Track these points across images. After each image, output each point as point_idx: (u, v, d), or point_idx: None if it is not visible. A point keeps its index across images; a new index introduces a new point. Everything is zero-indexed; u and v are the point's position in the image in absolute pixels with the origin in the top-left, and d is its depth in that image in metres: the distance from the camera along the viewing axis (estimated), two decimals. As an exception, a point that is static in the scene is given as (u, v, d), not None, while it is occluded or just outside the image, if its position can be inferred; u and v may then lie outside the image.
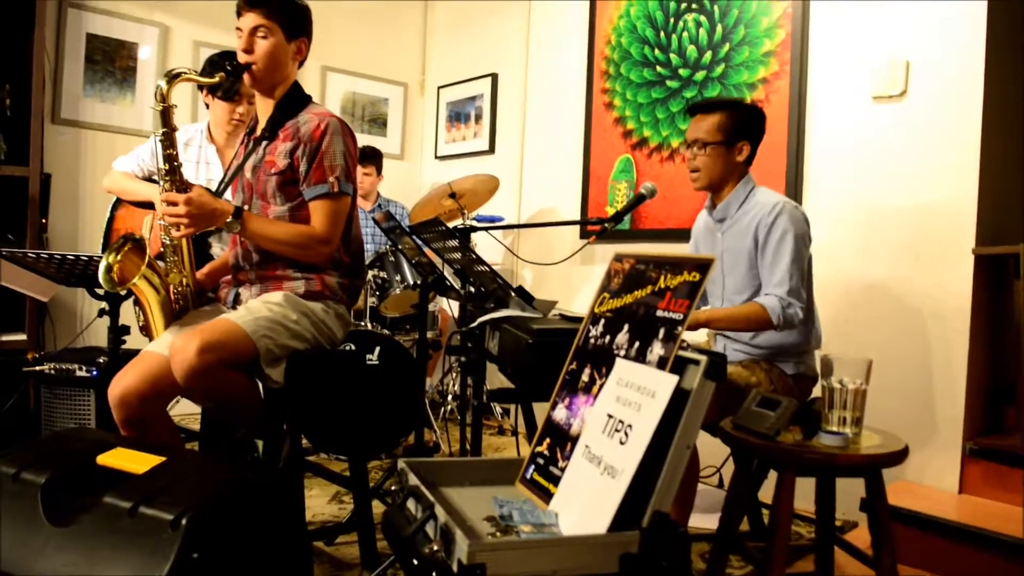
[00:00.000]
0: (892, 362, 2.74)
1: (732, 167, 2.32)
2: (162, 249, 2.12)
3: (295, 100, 2.16)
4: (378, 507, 2.48)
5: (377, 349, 3.19)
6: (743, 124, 2.30)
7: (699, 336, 2.64)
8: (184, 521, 1.31)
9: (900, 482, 2.68)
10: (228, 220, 1.98)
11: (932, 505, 2.46)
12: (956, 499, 2.60)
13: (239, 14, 2.07)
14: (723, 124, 2.28)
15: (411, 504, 1.37)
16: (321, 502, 2.87)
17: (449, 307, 3.91)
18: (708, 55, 3.46)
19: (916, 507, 2.43)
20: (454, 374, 4.12)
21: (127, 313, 2.49)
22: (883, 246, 2.87)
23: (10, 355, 3.34)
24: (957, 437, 2.63)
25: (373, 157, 4.20)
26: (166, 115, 2.01)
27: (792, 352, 2.31)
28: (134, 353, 2.00)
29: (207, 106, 2.81)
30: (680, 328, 1.26)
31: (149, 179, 2.80)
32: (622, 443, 1.22)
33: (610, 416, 1.29)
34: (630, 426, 1.22)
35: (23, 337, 3.48)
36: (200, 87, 2.79)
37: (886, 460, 1.62)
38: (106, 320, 2.51)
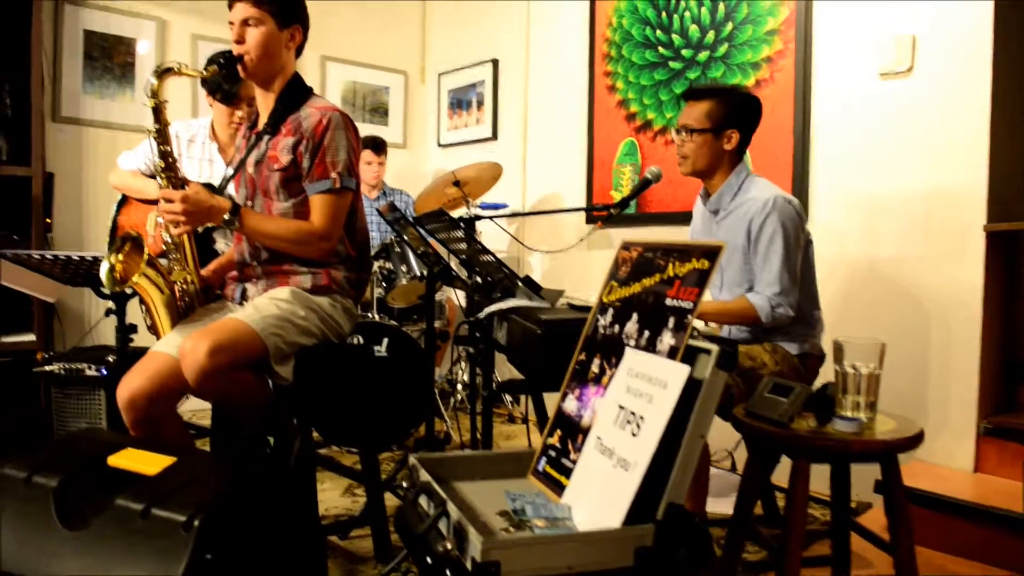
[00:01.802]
0: (904, 341, 2.72)
1: (719, 155, 2.30)
2: (164, 247, 2.11)
3: (296, 92, 2.13)
4: (391, 500, 2.48)
5: (385, 340, 3.17)
6: (733, 112, 2.28)
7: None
8: (197, 522, 1.30)
9: (915, 462, 2.67)
10: (226, 217, 1.97)
11: (948, 485, 2.45)
12: (972, 478, 2.58)
13: (230, 6, 2.06)
14: (712, 111, 2.27)
15: (423, 500, 1.36)
16: (334, 495, 2.87)
17: (456, 296, 3.89)
18: (711, 35, 3.42)
19: (931, 488, 2.41)
20: (463, 363, 4.11)
21: (134, 311, 2.49)
22: (892, 225, 2.83)
23: (20, 356, 3.36)
24: (971, 416, 2.61)
25: (385, 147, 4.23)
26: (157, 111, 2.00)
27: (796, 335, 2.30)
28: (143, 351, 1.99)
29: (211, 106, 2.81)
30: (690, 317, 1.24)
31: (155, 176, 2.80)
32: (634, 435, 1.21)
33: (621, 407, 1.27)
34: (642, 417, 1.21)
35: (32, 338, 3.49)
36: (204, 85, 2.78)
37: (902, 445, 1.60)
38: (113, 319, 2.51)
